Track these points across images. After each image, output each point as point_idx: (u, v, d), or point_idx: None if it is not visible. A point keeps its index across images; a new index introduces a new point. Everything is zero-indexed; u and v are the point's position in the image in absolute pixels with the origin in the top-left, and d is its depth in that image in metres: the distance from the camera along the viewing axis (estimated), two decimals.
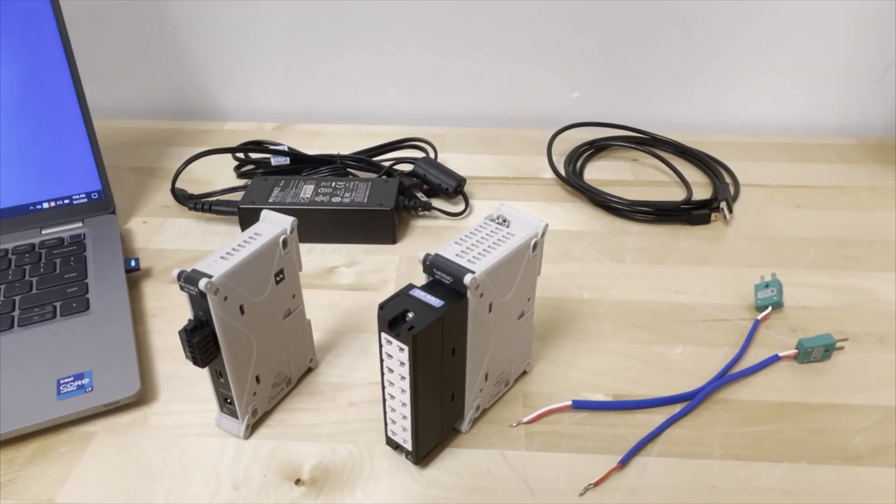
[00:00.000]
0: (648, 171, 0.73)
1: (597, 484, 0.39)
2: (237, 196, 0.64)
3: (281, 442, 0.42)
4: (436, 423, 0.40)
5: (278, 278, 0.40)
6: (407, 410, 0.37)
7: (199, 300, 0.36)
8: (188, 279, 0.36)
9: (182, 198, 0.64)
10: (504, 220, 0.41)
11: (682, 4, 0.75)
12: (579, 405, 0.44)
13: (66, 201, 0.60)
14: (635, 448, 0.41)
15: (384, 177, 0.66)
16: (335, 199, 0.60)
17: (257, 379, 0.41)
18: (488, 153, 0.76)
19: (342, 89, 0.84)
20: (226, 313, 0.37)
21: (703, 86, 0.81)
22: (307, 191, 0.61)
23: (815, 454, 0.41)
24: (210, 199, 0.64)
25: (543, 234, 0.41)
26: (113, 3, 0.78)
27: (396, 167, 0.68)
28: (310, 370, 0.47)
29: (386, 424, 0.40)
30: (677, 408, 0.44)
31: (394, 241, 0.61)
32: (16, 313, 0.49)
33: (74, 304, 0.50)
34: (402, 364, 0.35)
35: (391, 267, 0.58)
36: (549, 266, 0.57)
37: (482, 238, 0.39)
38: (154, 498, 0.39)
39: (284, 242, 0.40)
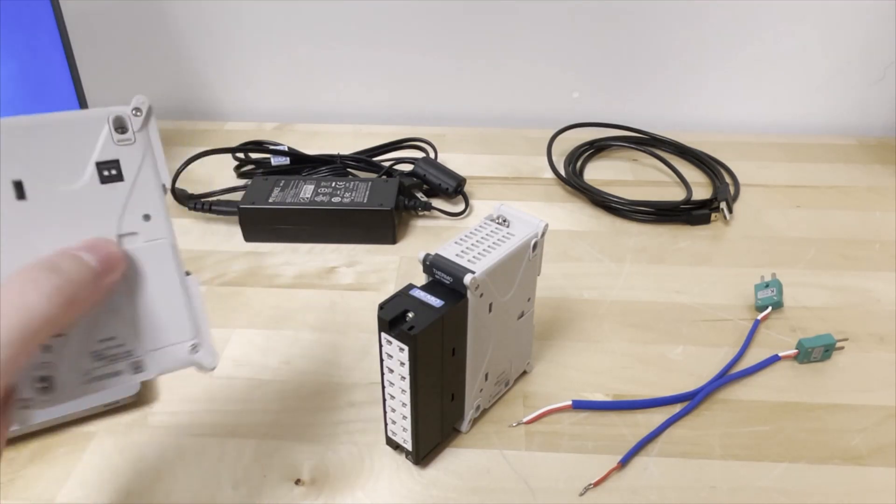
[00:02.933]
0: (648, 171, 0.73)
1: (597, 484, 0.39)
2: (237, 196, 0.64)
3: (281, 442, 0.42)
4: (436, 423, 0.40)
5: None
6: (407, 410, 0.37)
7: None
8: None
9: (182, 198, 0.64)
10: (504, 220, 0.41)
11: (683, 5, 0.75)
12: (579, 405, 0.44)
13: None
14: (635, 448, 0.41)
15: (384, 177, 0.66)
16: (335, 199, 0.60)
17: None
18: (488, 153, 0.76)
19: (342, 89, 0.84)
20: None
21: (703, 86, 0.81)
22: (307, 191, 0.61)
23: (815, 454, 0.41)
24: (210, 199, 0.64)
25: (543, 234, 0.41)
26: (113, 3, 0.78)
27: (396, 167, 0.68)
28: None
29: (386, 424, 0.40)
30: (677, 408, 0.44)
31: (394, 241, 0.61)
32: None
33: None
34: (402, 364, 0.35)
35: (391, 267, 0.58)
36: (549, 266, 0.57)
37: (482, 238, 0.39)
38: (154, 498, 0.39)
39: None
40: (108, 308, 0.29)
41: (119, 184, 0.30)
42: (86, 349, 0.30)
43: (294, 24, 0.79)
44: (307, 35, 0.80)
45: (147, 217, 0.30)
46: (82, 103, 0.59)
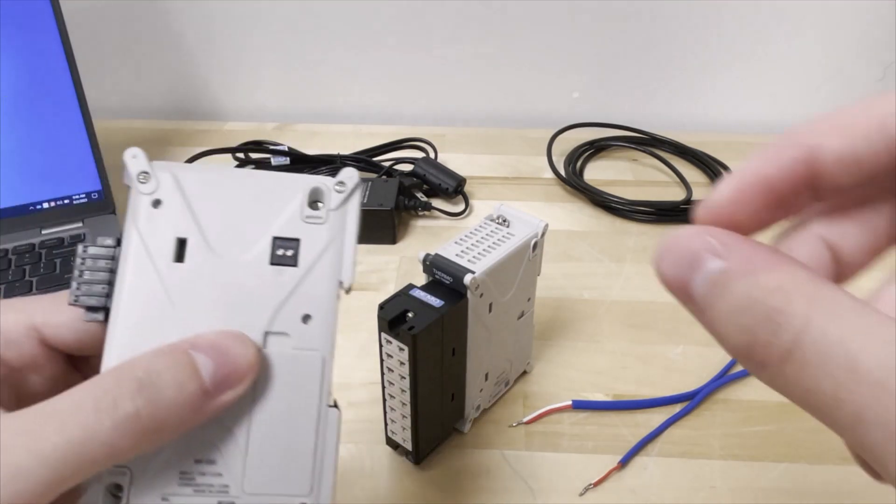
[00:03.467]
0: (648, 171, 0.73)
1: (597, 484, 0.39)
2: None
3: None
4: (436, 423, 0.40)
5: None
6: (407, 410, 0.37)
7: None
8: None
9: None
10: (504, 220, 0.41)
11: (683, 4, 0.75)
12: (579, 405, 0.44)
13: (66, 201, 0.60)
14: (635, 448, 0.41)
15: (384, 177, 0.66)
16: None
17: None
18: (488, 153, 0.76)
19: (342, 89, 0.84)
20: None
21: (703, 86, 0.81)
22: None
23: (815, 454, 0.41)
24: None
25: (543, 234, 0.41)
26: (113, 3, 0.78)
27: (396, 167, 0.68)
28: None
29: (386, 424, 0.40)
30: (677, 408, 0.44)
31: (394, 241, 0.61)
32: None
33: None
34: (402, 364, 0.35)
35: (391, 267, 0.58)
36: (549, 266, 0.57)
37: (482, 238, 0.39)
38: None
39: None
40: (221, 422, 0.22)
41: (290, 269, 0.24)
42: (175, 465, 0.22)
43: (294, 25, 0.79)
44: (307, 35, 0.80)
45: (307, 318, 0.24)
46: (82, 103, 0.59)
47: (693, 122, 0.83)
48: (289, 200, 0.24)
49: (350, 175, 0.24)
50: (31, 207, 0.59)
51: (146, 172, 0.24)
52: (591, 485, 0.39)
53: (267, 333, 0.23)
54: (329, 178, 0.24)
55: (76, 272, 0.23)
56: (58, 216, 0.60)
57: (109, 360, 0.22)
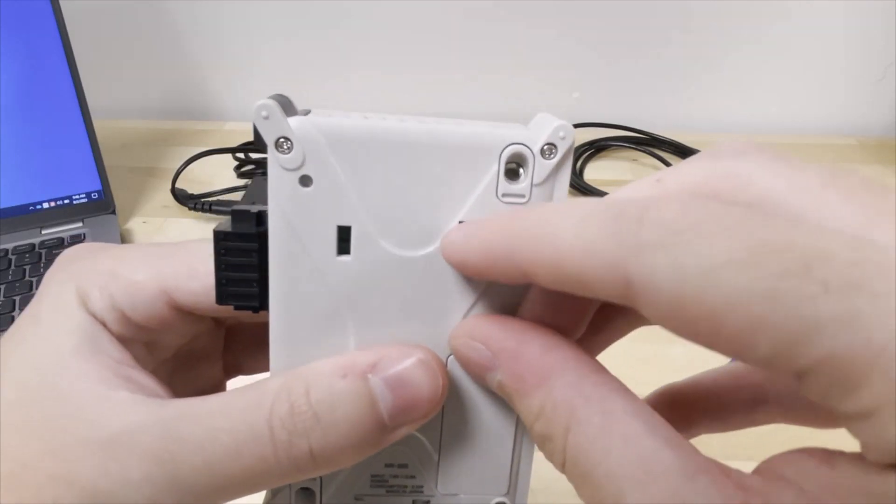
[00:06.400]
0: (648, 171, 0.73)
1: None
2: (237, 196, 0.64)
3: None
4: None
5: None
6: None
7: None
8: None
9: (182, 198, 0.64)
10: None
11: (683, 4, 0.75)
12: None
13: (66, 201, 0.60)
14: None
15: None
16: None
17: None
18: None
19: (343, 89, 0.84)
20: None
21: (703, 86, 0.81)
22: None
23: None
24: (210, 199, 0.64)
25: None
26: (113, 3, 0.78)
27: None
28: None
29: None
30: None
31: None
32: (16, 314, 0.50)
33: None
34: None
35: None
36: None
37: None
38: None
39: None
40: None
41: None
42: (365, 470, 0.21)
43: (294, 25, 0.79)
44: (308, 35, 0.80)
45: None
46: (82, 103, 0.59)
47: (693, 122, 0.83)
48: (479, 171, 0.18)
49: (563, 133, 0.19)
50: (31, 207, 0.59)
51: (286, 139, 0.18)
52: None
53: None
54: (529, 135, 0.19)
55: (217, 265, 0.19)
56: (58, 216, 0.60)
57: (277, 361, 0.19)
